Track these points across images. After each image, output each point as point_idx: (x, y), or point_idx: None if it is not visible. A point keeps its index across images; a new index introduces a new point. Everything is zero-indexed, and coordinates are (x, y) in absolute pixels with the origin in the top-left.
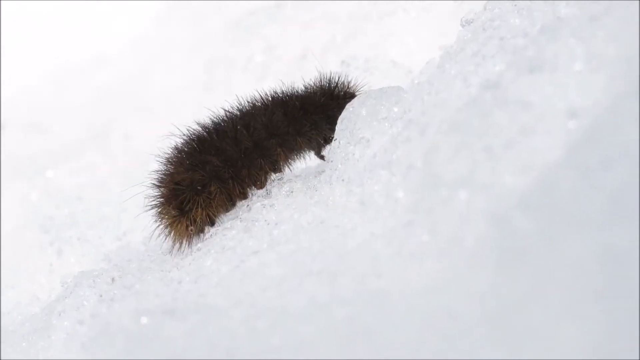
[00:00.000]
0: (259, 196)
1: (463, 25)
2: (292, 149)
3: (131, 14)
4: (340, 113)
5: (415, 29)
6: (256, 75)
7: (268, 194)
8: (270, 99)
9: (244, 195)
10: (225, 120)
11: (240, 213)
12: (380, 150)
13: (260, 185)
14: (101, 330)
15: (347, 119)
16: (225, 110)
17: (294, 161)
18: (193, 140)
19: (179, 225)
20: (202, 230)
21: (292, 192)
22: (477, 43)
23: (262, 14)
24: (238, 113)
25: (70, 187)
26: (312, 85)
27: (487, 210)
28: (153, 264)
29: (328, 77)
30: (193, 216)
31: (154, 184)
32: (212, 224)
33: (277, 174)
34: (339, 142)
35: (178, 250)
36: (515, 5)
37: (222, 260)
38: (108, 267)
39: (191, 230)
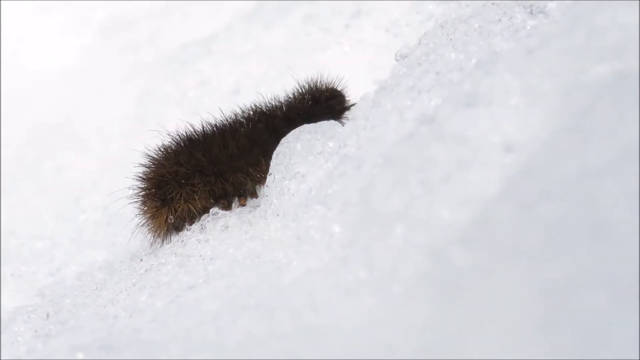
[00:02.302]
0: (193, 231)
1: (397, 60)
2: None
3: (62, 45)
4: (326, 117)
5: (349, 63)
6: (189, 109)
7: (202, 229)
8: (253, 112)
9: (226, 203)
10: (212, 127)
11: (175, 248)
12: (316, 185)
13: (248, 194)
14: None
15: (282, 154)
16: (209, 123)
17: None
18: (181, 138)
19: (160, 216)
20: (179, 227)
21: (227, 227)
22: (413, 77)
23: (196, 47)
24: (224, 122)
25: (4, 221)
26: (294, 94)
27: (425, 245)
28: (88, 299)
29: (307, 83)
30: (174, 207)
31: (139, 176)
32: (191, 220)
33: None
34: (274, 177)
35: (154, 243)
36: (450, 40)
37: (157, 295)
38: (43, 302)
39: (170, 220)
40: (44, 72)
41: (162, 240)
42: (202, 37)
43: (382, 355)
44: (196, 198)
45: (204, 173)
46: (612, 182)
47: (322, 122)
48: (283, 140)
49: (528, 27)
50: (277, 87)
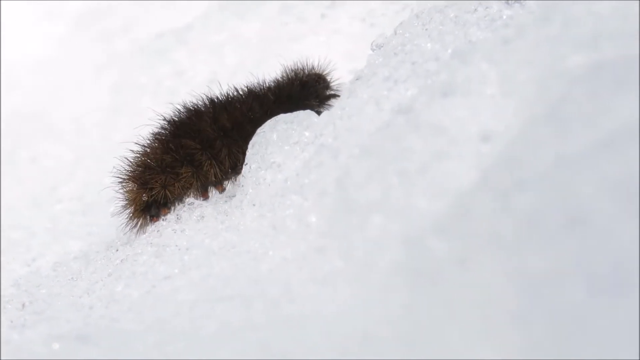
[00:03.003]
0: (169, 221)
1: (373, 50)
2: None
3: (37, 35)
4: (313, 101)
5: (325, 52)
6: (164, 98)
7: (178, 219)
8: (246, 91)
9: (220, 185)
10: (204, 104)
11: (151, 238)
12: (292, 175)
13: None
14: (13, 356)
15: (258, 144)
16: (202, 96)
17: None
18: (171, 124)
19: (137, 196)
20: (155, 214)
21: (202, 217)
22: (389, 67)
23: (171, 36)
24: (217, 100)
25: None
26: (282, 77)
27: (401, 235)
28: (63, 290)
29: (294, 67)
30: (151, 187)
31: (126, 159)
32: (166, 206)
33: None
34: (250, 167)
35: (128, 228)
36: (426, 29)
37: (133, 285)
38: (18, 292)
39: (144, 197)
40: (19, 62)
41: (136, 225)
42: (177, 27)
43: (358, 344)
44: (176, 186)
45: (194, 162)
46: (588, 172)
47: (298, 112)
48: (259, 130)
49: (504, 17)
50: (253, 77)
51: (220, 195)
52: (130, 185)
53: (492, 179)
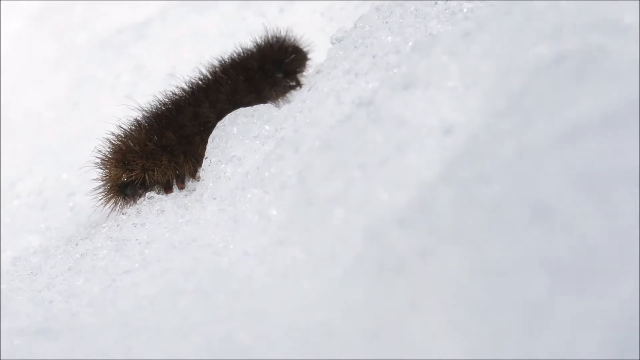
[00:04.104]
0: (129, 215)
1: (333, 43)
2: None
3: None
4: (295, 66)
5: None
6: (124, 93)
7: (138, 213)
8: (229, 65)
9: (195, 175)
10: (188, 95)
11: (111, 232)
12: (253, 169)
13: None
14: None
15: (218, 137)
16: (188, 84)
17: None
18: (154, 115)
19: (114, 175)
20: (130, 195)
21: (163, 211)
22: (349, 60)
23: (130, 31)
24: (200, 84)
25: None
26: (262, 42)
27: (363, 227)
28: (23, 284)
29: (274, 33)
30: (130, 171)
31: (108, 140)
32: (146, 186)
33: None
34: (210, 161)
35: (108, 209)
36: (386, 23)
37: (93, 280)
38: None
39: (123, 178)
40: None
41: (113, 206)
42: (136, 22)
43: (321, 337)
44: (156, 171)
45: (173, 153)
46: (551, 163)
47: (258, 106)
48: (219, 124)
49: (465, 10)
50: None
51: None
52: (112, 163)
53: (454, 171)
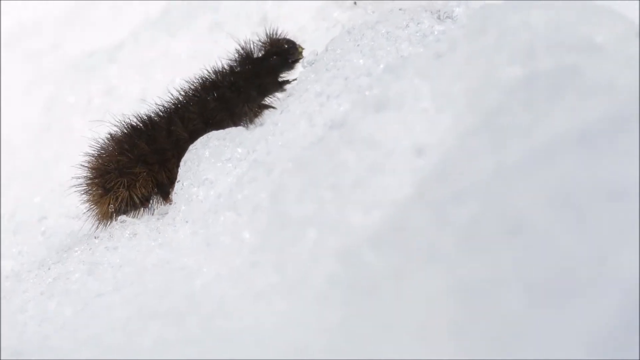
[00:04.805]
0: (101, 239)
1: (305, 66)
2: None
3: None
4: (272, 77)
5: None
6: (95, 116)
7: (111, 236)
8: (200, 84)
9: (172, 184)
10: (161, 114)
11: (84, 256)
12: (225, 191)
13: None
14: None
15: (190, 160)
16: (159, 104)
17: None
18: (127, 128)
19: (102, 204)
20: (124, 211)
21: (135, 234)
22: (321, 83)
23: (101, 54)
24: (172, 104)
25: None
26: (235, 58)
27: (336, 248)
28: None
29: (245, 45)
30: (116, 194)
31: (82, 165)
32: (135, 205)
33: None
34: (182, 184)
35: (101, 229)
36: (358, 45)
37: (66, 303)
38: None
39: (111, 207)
40: None
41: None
42: (107, 45)
43: (295, 358)
44: (137, 186)
45: (147, 162)
46: (525, 181)
47: (230, 129)
48: (191, 147)
49: (436, 32)
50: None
51: (152, 213)
52: (94, 191)
53: (427, 192)
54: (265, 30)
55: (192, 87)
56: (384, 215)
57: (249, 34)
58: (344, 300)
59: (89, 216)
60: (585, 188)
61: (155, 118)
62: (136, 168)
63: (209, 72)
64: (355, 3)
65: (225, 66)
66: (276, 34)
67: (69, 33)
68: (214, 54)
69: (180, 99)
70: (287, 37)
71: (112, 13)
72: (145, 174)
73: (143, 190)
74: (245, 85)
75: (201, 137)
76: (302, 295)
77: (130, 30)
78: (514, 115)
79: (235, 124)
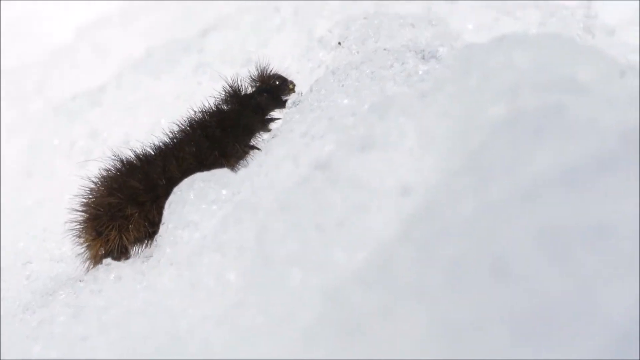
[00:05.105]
0: (86, 282)
1: (289, 107)
2: None
3: None
4: (260, 115)
5: None
6: (79, 160)
7: (95, 279)
8: (191, 124)
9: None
10: (154, 151)
11: (69, 299)
12: (210, 233)
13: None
14: None
15: (175, 203)
16: (154, 143)
17: None
18: (116, 167)
19: (93, 249)
20: (117, 257)
21: (120, 278)
22: (306, 124)
23: (85, 97)
24: (166, 143)
25: None
26: (222, 96)
27: (322, 288)
28: None
29: (233, 83)
30: (106, 238)
31: (74, 209)
32: (126, 250)
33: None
34: (167, 226)
35: (85, 272)
36: (342, 86)
37: (51, 346)
38: None
39: (101, 252)
40: None
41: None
42: (90, 88)
43: None
44: (130, 229)
45: (137, 202)
46: (510, 221)
47: (215, 170)
48: (176, 190)
49: (420, 72)
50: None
51: (138, 256)
52: (86, 235)
53: (412, 231)
54: (256, 66)
55: (181, 126)
56: (370, 254)
57: (233, 74)
58: (330, 340)
59: (76, 259)
60: (570, 227)
61: (148, 154)
62: (127, 209)
63: (196, 112)
64: (339, 43)
65: (213, 105)
66: (267, 70)
67: (52, 76)
68: (198, 95)
69: (171, 138)
70: (278, 73)
71: (94, 56)
72: (137, 215)
73: (136, 233)
74: (234, 124)
75: (186, 179)
76: (288, 335)
77: (113, 72)
78: (499, 154)
79: (228, 163)
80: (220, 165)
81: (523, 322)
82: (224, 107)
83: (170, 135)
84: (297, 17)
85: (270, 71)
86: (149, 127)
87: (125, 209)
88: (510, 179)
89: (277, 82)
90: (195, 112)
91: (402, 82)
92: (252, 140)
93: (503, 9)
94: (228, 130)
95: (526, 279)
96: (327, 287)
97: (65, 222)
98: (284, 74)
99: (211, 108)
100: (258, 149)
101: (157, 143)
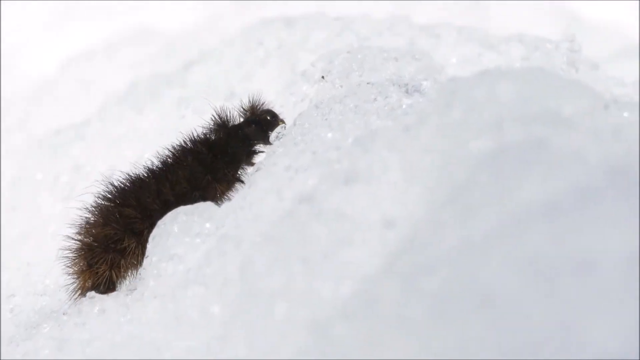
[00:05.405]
0: (70, 315)
1: (273, 141)
2: (213, 198)
3: None
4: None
5: None
6: (62, 195)
7: (79, 312)
8: (183, 150)
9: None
10: (148, 174)
11: (52, 332)
12: (194, 266)
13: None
14: None
15: (159, 236)
16: (147, 165)
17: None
18: (113, 193)
19: (80, 281)
20: (103, 291)
21: (104, 311)
22: (289, 157)
23: (68, 132)
24: (159, 167)
25: None
26: (212, 124)
27: (306, 321)
28: None
29: (219, 115)
30: (95, 271)
31: (70, 238)
32: (114, 286)
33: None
34: (151, 260)
35: (69, 305)
36: (326, 119)
37: None
38: None
39: (88, 284)
40: None
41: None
42: (74, 122)
43: None
44: (121, 264)
45: (135, 231)
46: (495, 253)
47: (198, 204)
48: (159, 223)
49: (404, 106)
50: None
51: (121, 289)
52: (78, 267)
53: (397, 264)
54: (249, 97)
55: (172, 151)
56: (354, 287)
57: (221, 105)
58: None
59: (60, 292)
60: (555, 260)
61: (142, 176)
62: (125, 241)
63: (186, 139)
64: (323, 77)
65: (201, 134)
66: (260, 104)
67: (35, 111)
68: (181, 128)
69: (163, 162)
70: (270, 108)
71: (78, 90)
72: (134, 246)
73: (134, 261)
74: (222, 151)
75: (170, 212)
76: None
77: (97, 106)
78: (483, 188)
79: (221, 187)
80: (214, 190)
81: (509, 354)
82: (212, 136)
83: (162, 159)
84: (281, 50)
85: (263, 104)
86: (133, 160)
87: (122, 241)
88: (494, 212)
89: (268, 117)
90: (185, 138)
91: (386, 116)
92: (237, 171)
93: (487, 43)
94: (218, 156)
95: (511, 312)
96: (312, 320)
97: (59, 250)
98: (276, 110)
99: (199, 136)
100: (242, 182)
101: (149, 166)
